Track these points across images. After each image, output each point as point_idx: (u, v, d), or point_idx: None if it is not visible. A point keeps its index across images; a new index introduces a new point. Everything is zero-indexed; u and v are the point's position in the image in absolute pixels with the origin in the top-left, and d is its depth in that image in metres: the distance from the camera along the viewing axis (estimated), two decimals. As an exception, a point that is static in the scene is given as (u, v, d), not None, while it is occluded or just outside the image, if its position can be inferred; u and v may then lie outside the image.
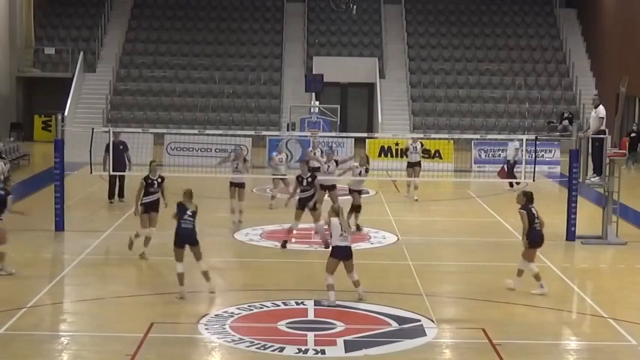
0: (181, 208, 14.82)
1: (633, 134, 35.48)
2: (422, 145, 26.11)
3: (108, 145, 21.67)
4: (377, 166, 29.54)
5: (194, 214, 14.82)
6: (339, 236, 14.55)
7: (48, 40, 43.89)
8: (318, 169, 21.91)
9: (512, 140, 28.17)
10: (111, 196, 24.09)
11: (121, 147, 23.41)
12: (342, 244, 14.56)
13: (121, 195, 24.12)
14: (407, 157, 26.04)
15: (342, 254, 14.55)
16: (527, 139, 22.96)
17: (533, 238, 15.41)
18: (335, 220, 14.68)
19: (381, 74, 43.14)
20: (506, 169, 28.20)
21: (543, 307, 14.83)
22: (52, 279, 16.07)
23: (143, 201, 17.34)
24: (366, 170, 20.92)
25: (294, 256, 18.02)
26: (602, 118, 20.05)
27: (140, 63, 43.54)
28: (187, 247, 14.74)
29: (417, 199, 25.10)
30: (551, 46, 45.34)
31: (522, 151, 27.21)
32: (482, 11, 47.15)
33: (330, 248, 14.86)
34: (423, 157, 26.46)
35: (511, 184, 27.30)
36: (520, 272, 15.60)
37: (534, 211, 15.52)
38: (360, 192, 21.13)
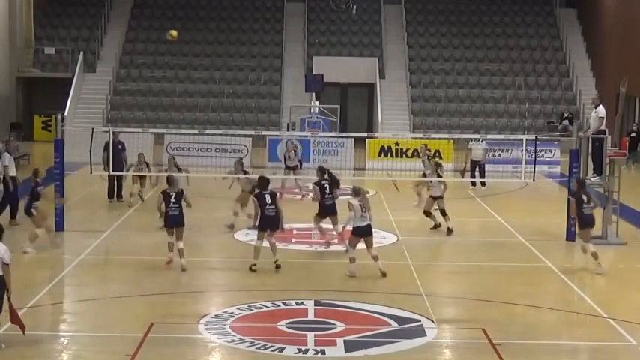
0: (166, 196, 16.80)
1: (633, 134, 35.48)
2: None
3: (106, 144, 21.65)
4: (377, 166, 29.57)
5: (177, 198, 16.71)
6: (359, 217, 15.92)
7: (48, 40, 43.87)
8: (294, 168, 24.85)
9: (477, 140, 27.93)
10: (110, 195, 24.15)
11: (120, 147, 23.38)
12: (363, 223, 16.01)
13: (119, 195, 24.14)
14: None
15: (363, 232, 16.05)
16: (527, 139, 22.93)
17: None
18: (355, 202, 15.92)
19: (381, 74, 43.13)
20: (477, 169, 28.02)
21: (543, 307, 14.84)
22: (52, 279, 16.07)
23: None
24: (438, 176, 21.00)
25: (294, 256, 18.01)
26: (602, 117, 20.06)
27: (140, 63, 43.54)
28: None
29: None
30: (551, 46, 45.33)
31: (490, 151, 27.87)
32: (482, 11, 47.14)
33: (352, 228, 16.19)
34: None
35: (483, 184, 27.73)
36: None
37: None
38: (437, 198, 20.73)
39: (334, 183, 18.94)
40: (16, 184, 21.01)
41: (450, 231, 20.59)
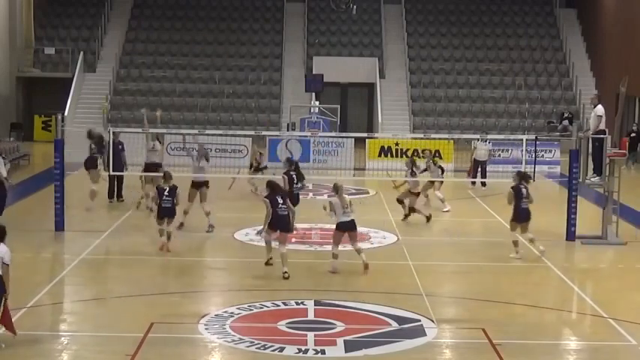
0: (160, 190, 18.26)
1: (633, 134, 35.47)
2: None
3: (107, 144, 21.63)
4: (377, 166, 29.56)
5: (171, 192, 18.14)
6: (342, 213, 16.38)
7: (48, 40, 43.86)
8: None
9: (484, 141, 27.88)
10: (111, 195, 24.10)
11: (120, 147, 23.25)
12: (347, 218, 16.46)
13: (119, 195, 24.09)
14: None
15: (346, 227, 16.47)
16: (527, 139, 22.94)
17: None
18: (335, 199, 16.39)
19: (381, 74, 43.12)
20: (479, 169, 28.00)
21: (543, 307, 14.84)
22: (52, 279, 16.07)
23: None
24: (412, 173, 22.05)
25: (294, 256, 17.99)
26: (601, 116, 20.05)
27: (140, 63, 43.53)
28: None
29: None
30: (551, 46, 45.33)
31: (493, 152, 29.21)
32: (482, 11, 47.14)
33: (335, 224, 16.59)
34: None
35: (483, 184, 27.82)
36: None
37: None
38: (414, 194, 22.05)
39: (300, 175, 19.91)
40: (5, 186, 20.84)
41: (428, 218, 21.98)
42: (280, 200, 16.46)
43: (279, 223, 16.45)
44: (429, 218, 22.02)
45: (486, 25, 46.36)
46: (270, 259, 16.79)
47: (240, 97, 42.19)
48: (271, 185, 16.86)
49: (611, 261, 18.75)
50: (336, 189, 16.58)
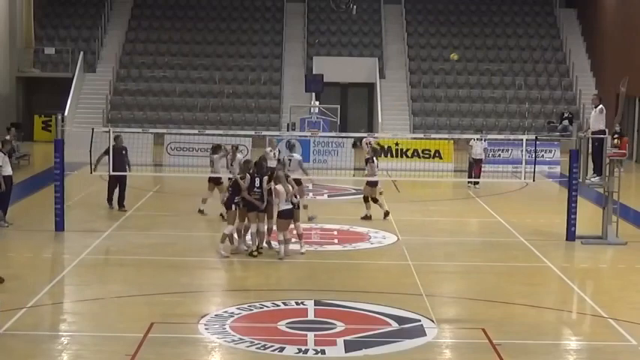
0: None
1: (616, 135, 35.38)
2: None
3: (108, 149, 21.19)
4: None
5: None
6: (284, 201, 17.25)
7: (48, 40, 43.88)
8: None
9: (479, 139, 27.83)
10: (110, 200, 23.30)
11: (123, 152, 22.67)
12: (288, 206, 17.40)
13: (120, 204, 22.92)
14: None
15: (289, 215, 17.43)
16: (527, 139, 22.94)
17: None
18: (280, 187, 17.21)
19: (381, 74, 43.14)
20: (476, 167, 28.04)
21: (543, 307, 14.84)
22: (52, 279, 16.06)
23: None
24: (368, 160, 22.19)
25: (294, 256, 18.00)
26: (603, 114, 20.06)
27: (140, 63, 43.55)
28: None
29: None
30: (551, 46, 45.34)
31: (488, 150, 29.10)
32: (483, 11, 47.15)
33: (277, 212, 17.45)
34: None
35: (476, 183, 27.73)
36: None
37: None
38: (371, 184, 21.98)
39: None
40: (11, 184, 20.78)
41: (386, 214, 21.74)
42: (257, 184, 17.53)
43: (253, 206, 17.58)
44: (386, 214, 21.76)
45: (486, 25, 46.36)
46: (255, 251, 17.63)
47: (240, 97, 42.20)
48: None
49: (611, 261, 18.74)
50: (279, 180, 17.32)
